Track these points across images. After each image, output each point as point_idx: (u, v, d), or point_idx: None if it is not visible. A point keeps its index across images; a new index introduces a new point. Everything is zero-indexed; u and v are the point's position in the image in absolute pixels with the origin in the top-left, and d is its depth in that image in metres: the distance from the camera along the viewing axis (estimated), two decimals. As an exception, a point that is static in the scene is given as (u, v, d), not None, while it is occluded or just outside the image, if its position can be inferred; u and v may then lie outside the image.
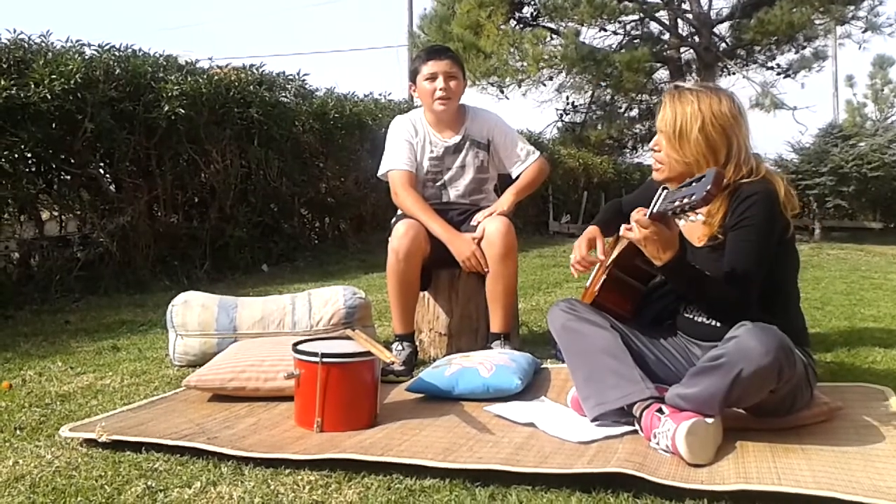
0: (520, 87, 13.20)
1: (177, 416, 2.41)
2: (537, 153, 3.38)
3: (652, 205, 2.01)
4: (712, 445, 1.96)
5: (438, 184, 3.28)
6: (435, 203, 3.21)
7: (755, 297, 2.10)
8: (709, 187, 1.79)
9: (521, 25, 13.16)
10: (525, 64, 12.25)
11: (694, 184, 1.87)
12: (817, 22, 12.01)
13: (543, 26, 12.87)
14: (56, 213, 5.88)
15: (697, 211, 1.86)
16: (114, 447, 2.13)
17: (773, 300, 2.16)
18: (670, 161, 2.19)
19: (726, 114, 2.14)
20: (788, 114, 13.34)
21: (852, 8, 11.89)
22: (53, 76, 5.02)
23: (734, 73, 13.63)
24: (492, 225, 3.05)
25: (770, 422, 2.12)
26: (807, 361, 2.11)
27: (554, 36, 12.62)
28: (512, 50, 12.22)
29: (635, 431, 2.10)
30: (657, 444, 1.99)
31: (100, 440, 2.14)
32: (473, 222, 3.16)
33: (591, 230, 2.51)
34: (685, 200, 1.84)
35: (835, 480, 1.76)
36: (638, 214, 2.02)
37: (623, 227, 2.09)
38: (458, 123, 3.30)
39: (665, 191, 2.01)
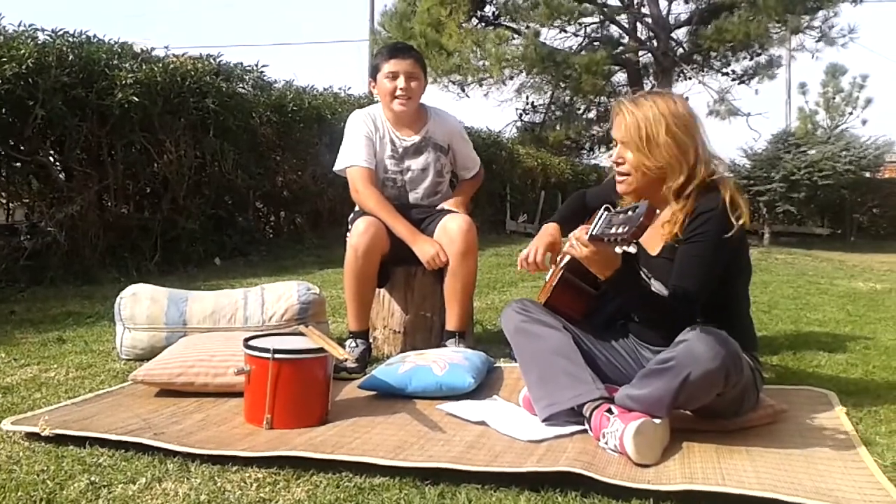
0: (481, 86, 13.25)
1: (123, 410, 2.37)
2: (478, 160, 3.52)
3: (592, 226, 2.04)
4: (659, 446, 1.99)
5: (399, 185, 3.26)
6: (394, 204, 3.20)
7: (698, 312, 2.12)
8: (641, 219, 1.81)
9: (483, 24, 13.19)
10: (487, 63, 12.28)
11: (630, 213, 1.89)
12: (773, 31, 12.24)
13: (505, 26, 12.91)
14: (3, 201, 5.74)
15: (630, 243, 1.87)
16: (57, 441, 2.08)
17: (724, 307, 2.20)
18: (639, 171, 2.16)
19: (685, 114, 2.16)
20: (742, 120, 13.62)
21: (807, 18, 12.14)
22: (4, 60, 4.89)
23: (690, 79, 13.85)
24: (453, 223, 3.05)
25: (716, 423, 2.16)
26: (754, 366, 2.15)
27: (516, 36, 12.68)
28: (474, 49, 12.24)
29: (585, 431, 2.12)
30: (606, 443, 2.01)
31: (42, 434, 2.09)
32: (444, 206, 3.26)
33: (553, 231, 2.49)
34: (619, 231, 1.86)
35: (778, 482, 1.79)
36: (580, 233, 2.04)
37: (567, 244, 2.09)
38: (419, 123, 3.28)
39: (606, 212, 2.04)
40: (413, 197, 3.27)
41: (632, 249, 1.90)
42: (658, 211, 2.15)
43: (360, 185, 3.16)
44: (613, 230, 1.89)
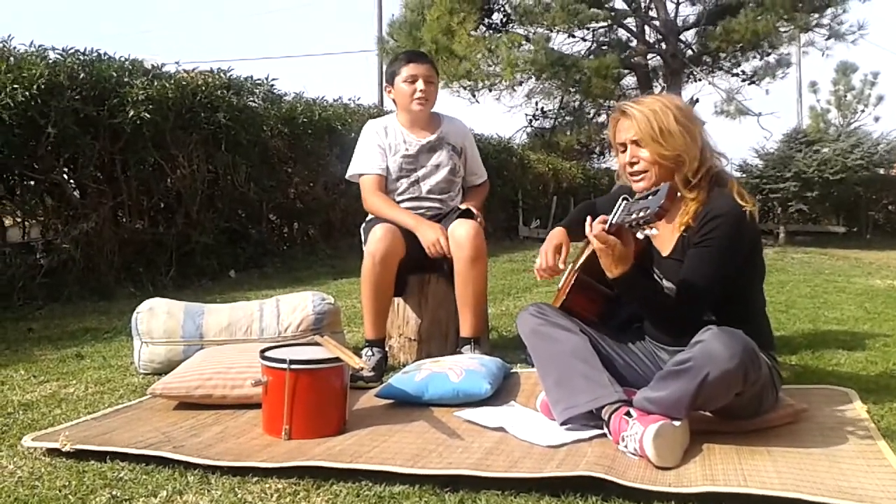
0: (491, 91, 13.27)
1: (142, 424, 2.38)
2: (485, 171, 3.58)
3: (612, 215, 2.05)
4: (679, 448, 1.98)
5: (412, 179, 3.30)
6: (408, 198, 3.26)
7: (703, 314, 2.12)
8: (662, 202, 1.84)
9: (492, 31, 13.22)
10: (498, 69, 12.30)
11: (650, 197, 1.93)
12: (782, 30, 12.21)
13: (513, 32, 12.94)
14: (19, 220, 5.78)
15: (652, 225, 1.90)
16: (78, 456, 2.09)
17: (739, 307, 2.19)
18: (656, 164, 2.18)
19: (684, 107, 2.22)
20: (753, 120, 13.58)
21: (816, 16, 12.10)
22: (16, 83, 4.94)
23: (700, 80, 13.82)
24: (461, 228, 3.06)
25: (736, 424, 2.14)
26: (772, 364, 2.14)
27: (525, 42, 12.71)
28: (485, 53, 12.27)
29: (604, 435, 2.11)
30: (625, 447, 2.00)
31: (63, 449, 2.10)
32: (462, 205, 3.30)
33: (559, 234, 2.48)
34: (641, 214, 1.89)
35: (800, 481, 1.78)
36: (597, 226, 2.04)
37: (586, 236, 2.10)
38: (433, 126, 3.36)
39: (625, 202, 2.06)
40: (426, 188, 3.30)
41: (653, 232, 1.91)
42: (679, 193, 2.16)
43: (368, 193, 3.25)
44: (634, 216, 1.91)
